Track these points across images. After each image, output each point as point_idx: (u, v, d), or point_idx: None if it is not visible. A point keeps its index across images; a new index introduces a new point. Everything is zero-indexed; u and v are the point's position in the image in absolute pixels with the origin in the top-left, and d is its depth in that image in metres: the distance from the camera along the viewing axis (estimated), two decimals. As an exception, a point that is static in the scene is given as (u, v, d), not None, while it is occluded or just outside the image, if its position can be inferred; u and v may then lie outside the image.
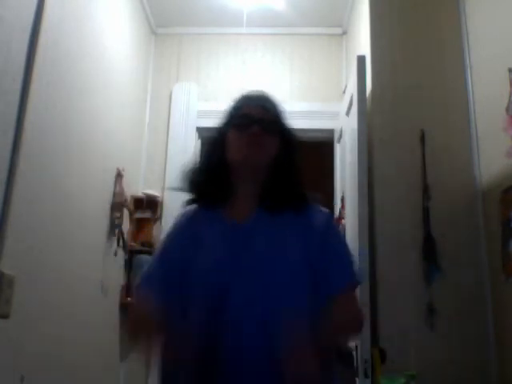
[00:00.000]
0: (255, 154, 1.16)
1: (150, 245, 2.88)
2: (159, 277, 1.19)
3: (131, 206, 2.92)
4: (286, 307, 1.04)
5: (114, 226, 2.63)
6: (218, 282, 1.08)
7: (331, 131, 3.12)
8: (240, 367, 1.01)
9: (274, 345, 0.99)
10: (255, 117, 1.18)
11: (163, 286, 1.16)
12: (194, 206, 1.25)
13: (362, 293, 1.91)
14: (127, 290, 2.75)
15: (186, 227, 1.23)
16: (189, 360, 1.01)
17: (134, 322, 1.15)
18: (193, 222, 1.22)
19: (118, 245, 2.67)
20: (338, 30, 3.39)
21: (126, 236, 2.79)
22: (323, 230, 1.17)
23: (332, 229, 1.21)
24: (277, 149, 1.19)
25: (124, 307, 2.69)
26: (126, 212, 2.81)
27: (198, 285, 1.10)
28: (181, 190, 1.25)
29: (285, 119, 1.25)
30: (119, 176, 2.70)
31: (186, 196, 1.25)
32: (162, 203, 3.03)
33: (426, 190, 2.26)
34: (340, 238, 1.25)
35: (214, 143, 1.24)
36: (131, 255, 2.86)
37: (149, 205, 2.99)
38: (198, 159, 1.28)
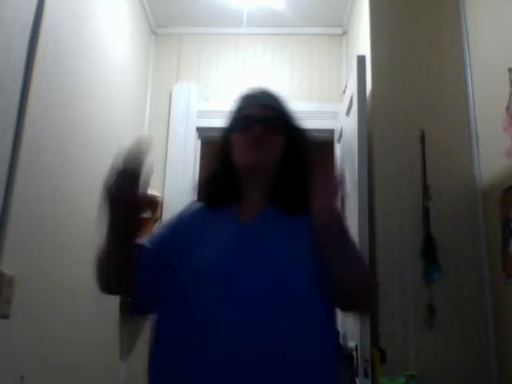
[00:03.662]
0: (259, 157, 1.13)
1: (150, 245, 2.87)
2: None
3: (131, 206, 2.92)
4: (286, 312, 1.01)
5: (114, 226, 2.62)
6: (216, 282, 1.03)
7: (331, 131, 3.12)
8: (237, 368, 0.96)
9: (276, 345, 0.97)
10: (257, 117, 1.15)
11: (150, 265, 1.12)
12: (199, 204, 1.23)
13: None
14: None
15: (188, 218, 1.20)
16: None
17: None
18: (198, 215, 1.20)
19: (118, 245, 2.67)
20: (338, 30, 3.39)
21: (126, 236, 2.78)
22: None
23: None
24: (283, 147, 1.16)
25: (124, 307, 2.69)
26: (125, 212, 2.81)
27: (193, 283, 1.05)
28: (198, 201, 1.23)
29: (291, 115, 1.21)
30: (119, 176, 2.69)
31: (186, 197, 1.24)
32: (161, 203, 3.03)
33: (425, 190, 2.26)
34: (352, 238, 1.20)
35: (220, 148, 1.22)
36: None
37: (149, 205, 2.98)
38: (211, 169, 1.25)
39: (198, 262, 1.07)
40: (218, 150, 1.23)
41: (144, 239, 1.18)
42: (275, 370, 0.96)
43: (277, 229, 1.11)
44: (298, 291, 1.03)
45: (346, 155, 2.56)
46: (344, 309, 1.17)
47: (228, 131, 1.21)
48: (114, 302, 2.67)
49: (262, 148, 1.13)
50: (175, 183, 3.08)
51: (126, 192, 0.97)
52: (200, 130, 3.21)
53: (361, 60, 2.32)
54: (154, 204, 3.00)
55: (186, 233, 1.15)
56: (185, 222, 1.20)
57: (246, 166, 1.15)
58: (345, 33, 3.36)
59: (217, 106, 3.15)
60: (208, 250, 1.08)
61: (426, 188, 2.26)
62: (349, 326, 2.24)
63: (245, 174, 1.17)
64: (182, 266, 1.08)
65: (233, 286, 1.02)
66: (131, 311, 1.18)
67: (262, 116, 1.15)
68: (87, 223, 2.27)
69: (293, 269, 1.04)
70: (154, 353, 1.07)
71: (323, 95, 3.26)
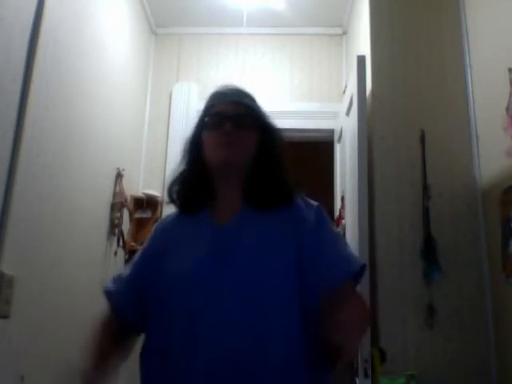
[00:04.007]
0: (231, 154, 1.10)
1: (150, 245, 2.88)
2: (127, 280, 1.18)
3: (131, 206, 2.92)
4: (270, 311, 1.00)
5: (114, 226, 2.63)
6: (196, 286, 1.02)
7: (331, 131, 3.12)
8: (220, 378, 0.96)
9: (259, 346, 0.97)
10: (227, 114, 1.12)
11: (130, 291, 1.16)
12: (174, 213, 1.22)
13: (361, 293, 1.91)
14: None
15: (163, 233, 1.19)
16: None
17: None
18: (173, 224, 1.19)
19: (118, 245, 2.67)
20: (338, 30, 3.39)
21: (125, 236, 2.79)
22: (313, 225, 1.09)
23: (323, 222, 1.12)
24: (255, 144, 1.13)
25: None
26: (126, 212, 2.81)
27: (173, 289, 1.05)
28: (170, 203, 1.22)
29: (262, 112, 1.19)
30: (119, 176, 2.70)
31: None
32: (161, 203, 3.03)
33: (425, 190, 2.26)
34: (333, 230, 1.16)
35: (190, 146, 1.19)
36: (131, 255, 2.86)
37: (149, 205, 2.99)
38: (178, 166, 1.22)
39: (177, 268, 1.06)
40: (188, 149, 1.20)
41: (125, 269, 1.24)
42: (260, 370, 0.96)
43: (254, 229, 1.08)
44: (278, 292, 1.02)
45: (346, 155, 2.56)
46: None
47: (198, 129, 1.18)
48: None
49: (234, 145, 1.10)
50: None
51: None
52: (200, 130, 3.21)
53: (361, 60, 2.32)
54: (153, 204, 3.00)
55: (163, 244, 1.15)
56: (162, 236, 1.19)
57: (219, 163, 1.11)
58: (345, 33, 3.36)
59: (217, 106, 3.14)
60: (186, 256, 1.08)
61: (425, 188, 2.26)
62: (349, 326, 2.23)
63: (217, 173, 1.14)
64: (163, 273, 1.08)
65: (213, 289, 1.01)
66: None
67: (232, 113, 1.12)
68: (87, 223, 2.28)
69: (272, 269, 1.03)
70: (143, 354, 1.13)
71: (323, 95, 3.26)
